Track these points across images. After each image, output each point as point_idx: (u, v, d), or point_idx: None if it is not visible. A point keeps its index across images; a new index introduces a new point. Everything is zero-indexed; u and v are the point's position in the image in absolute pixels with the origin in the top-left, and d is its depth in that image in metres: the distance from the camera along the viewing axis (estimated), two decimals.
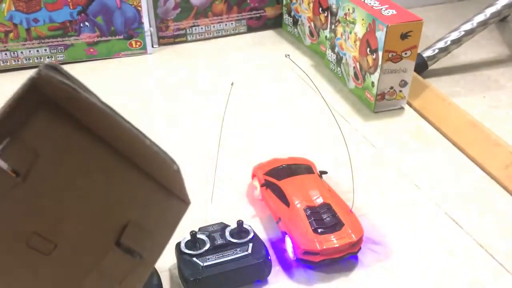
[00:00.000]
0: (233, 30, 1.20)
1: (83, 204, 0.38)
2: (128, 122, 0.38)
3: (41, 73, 0.33)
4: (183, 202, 0.46)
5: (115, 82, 1.02)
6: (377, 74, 0.88)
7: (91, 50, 1.09)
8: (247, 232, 0.61)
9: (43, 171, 0.36)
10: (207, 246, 0.59)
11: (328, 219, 0.61)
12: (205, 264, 0.57)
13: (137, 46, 1.11)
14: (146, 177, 0.41)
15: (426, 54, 1.02)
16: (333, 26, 1.00)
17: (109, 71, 1.06)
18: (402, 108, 0.93)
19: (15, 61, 1.05)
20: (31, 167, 0.35)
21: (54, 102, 0.36)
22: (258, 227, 0.67)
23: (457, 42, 1.02)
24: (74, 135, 0.37)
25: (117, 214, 0.40)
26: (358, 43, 0.91)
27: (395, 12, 0.86)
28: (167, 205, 0.44)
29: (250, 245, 0.59)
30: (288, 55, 0.79)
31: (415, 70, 0.92)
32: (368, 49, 0.89)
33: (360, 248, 0.62)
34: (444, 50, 1.03)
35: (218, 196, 0.72)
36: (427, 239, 0.66)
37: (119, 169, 0.39)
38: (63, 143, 0.36)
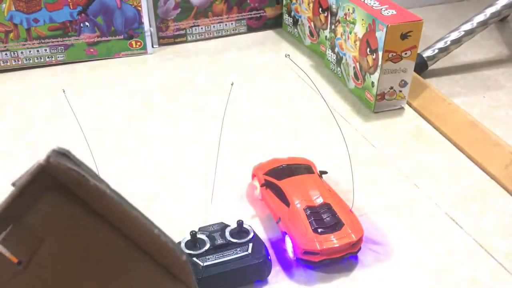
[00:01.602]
0: (233, 30, 1.21)
1: None
2: (137, 210, 0.37)
3: (50, 160, 0.33)
4: None
5: (115, 82, 1.02)
6: (377, 74, 0.88)
7: (91, 50, 1.09)
8: (247, 232, 0.61)
9: (46, 257, 0.35)
10: (207, 246, 0.59)
11: (328, 219, 0.61)
12: (205, 264, 0.57)
13: (137, 46, 1.11)
14: (154, 264, 0.40)
15: (426, 54, 1.02)
16: (333, 26, 1.01)
17: (109, 71, 1.06)
18: (402, 108, 0.93)
19: (15, 61, 1.05)
20: (34, 254, 0.34)
21: (62, 185, 0.35)
22: (258, 227, 0.67)
23: (457, 42, 1.02)
24: (81, 218, 0.36)
25: None
26: (358, 43, 0.91)
27: (395, 12, 0.86)
28: None
29: (250, 245, 0.59)
30: (288, 55, 0.79)
31: (415, 70, 0.92)
32: (368, 49, 0.89)
33: (360, 248, 0.62)
34: (444, 50, 1.03)
35: (218, 196, 0.72)
36: (427, 239, 0.66)
37: (127, 254, 0.38)
38: (69, 227, 0.36)
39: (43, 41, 1.05)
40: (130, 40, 1.10)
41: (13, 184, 0.36)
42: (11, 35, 1.03)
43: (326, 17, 1.04)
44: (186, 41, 1.17)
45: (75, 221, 0.35)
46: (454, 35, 1.02)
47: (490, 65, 1.09)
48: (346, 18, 0.94)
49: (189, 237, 0.60)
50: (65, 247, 0.35)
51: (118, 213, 0.36)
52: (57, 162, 0.33)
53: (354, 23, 0.92)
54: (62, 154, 0.34)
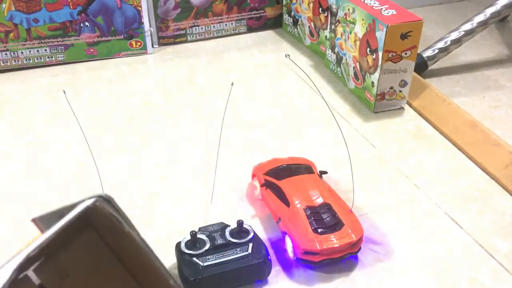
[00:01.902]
0: (233, 30, 1.21)
1: None
2: (159, 261, 0.40)
3: (97, 204, 0.36)
4: None
5: (115, 82, 1.02)
6: (377, 74, 0.88)
7: (91, 50, 1.09)
8: (247, 232, 0.61)
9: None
10: (207, 246, 0.59)
11: (328, 219, 0.61)
12: (205, 264, 0.57)
13: (137, 46, 1.11)
14: None
15: (426, 54, 1.02)
16: (333, 26, 1.01)
17: (109, 71, 1.06)
18: (402, 108, 0.93)
19: (15, 61, 1.05)
20: (60, 286, 0.37)
21: (96, 229, 0.38)
22: (258, 227, 0.67)
23: (457, 42, 1.02)
24: (105, 262, 0.39)
25: None
26: (358, 43, 0.91)
27: (395, 12, 0.86)
28: None
29: (250, 245, 0.59)
30: (288, 55, 0.80)
31: (415, 70, 0.92)
32: (368, 49, 0.89)
33: (360, 248, 0.62)
34: (444, 50, 1.03)
35: (218, 196, 0.72)
36: (427, 239, 0.66)
37: None
38: (93, 268, 0.38)
39: (43, 41, 1.05)
40: (130, 40, 1.10)
41: (33, 220, 0.38)
42: (11, 35, 1.03)
43: (326, 17, 1.04)
44: (186, 41, 1.17)
45: (99, 264, 0.39)
46: (454, 35, 1.02)
47: (490, 65, 1.09)
48: (346, 18, 0.94)
49: (189, 237, 0.60)
50: (85, 283, 0.38)
51: (143, 260, 0.39)
52: (102, 207, 0.36)
53: (354, 23, 0.92)
54: (107, 200, 0.37)
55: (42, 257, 0.36)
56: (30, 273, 0.35)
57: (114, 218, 0.36)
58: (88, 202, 0.36)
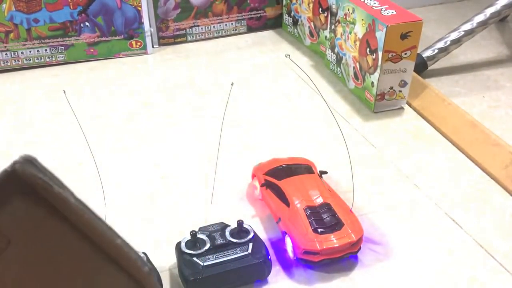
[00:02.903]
0: (233, 30, 1.21)
1: None
2: (100, 220, 0.38)
3: (16, 167, 0.34)
4: None
5: (115, 82, 1.02)
6: (376, 74, 0.88)
7: (92, 50, 1.09)
8: (247, 232, 0.61)
9: (11, 258, 0.35)
10: (207, 246, 0.59)
11: (328, 219, 0.61)
12: (205, 263, 0.57)
13: (137, 46, 1.11)
14: (118, 270, 0.40)
15: (426, 54, 1.02)
16: (333, 26, 1.01)
17: (109, 71, 1.06)
18: (402, 108, 0.93)
19: (15, 61, 1.05)
20: (0, 255, 0.35)
21: (31, 190, 0.35)
22: (258, 227, 0.67)
23: (456, 42, 1.02)
24: (48, 221, 0.37)
25: None
26: (358, 43, 0.92)
27: (395, 12, 0.86)
28: None
29: (250, 245, 0.60)
30: (288, 55, 0.79)
31: (414, 70, 0.92)
32: (368, 49, 0.89)
33: (360, 248, 0.62)
34: (444, 50, 1.03)
35: (218, 196, 0.72)
36: (427, 239, 0.66)
37: (91, 259, 0.39)
38: (36, 229, 0.36)
39: (43, 41, 1.05)
40: (130, 40, 1.10)
41: None
42: (12, 35, 1.03)
43: (326, 17, 1.04)
44: (186, 41, 1.18)
45: (42, 224, 0.36)
46: (454, 35, 1.02)
47: (490, 65, 1.09)
48: (346, 18, 0.94)
49: (189, 237, 0.60)
50: (31, 249, 0.36)
51: (82, 220, 0.37)
52: (23, 169, 0.34)
53: (354, 23, 0.92)
54: (29, 161, 0.35)
55: None
56: None
57: (39, 180, 0.34)
58: (6, 167, 0.34)
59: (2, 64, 1.05)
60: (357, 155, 0.80)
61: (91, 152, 0.68)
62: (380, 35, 0.85)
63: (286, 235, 0.62)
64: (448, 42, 1.02)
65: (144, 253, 0.59)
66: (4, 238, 0.35)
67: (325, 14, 1.04)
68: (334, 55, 1.02)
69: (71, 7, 1.04)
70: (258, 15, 1.21)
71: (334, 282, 0.60)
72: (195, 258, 0.58)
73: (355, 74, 0.95)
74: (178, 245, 0.60)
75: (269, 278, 0.60)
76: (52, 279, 0.37)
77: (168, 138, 0.86)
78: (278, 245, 0.65)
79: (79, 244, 0.37)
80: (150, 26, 1.12)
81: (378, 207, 0.71)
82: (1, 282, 0.35)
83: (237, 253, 0.58)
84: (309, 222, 0.61)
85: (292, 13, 1.17)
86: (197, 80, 1.03)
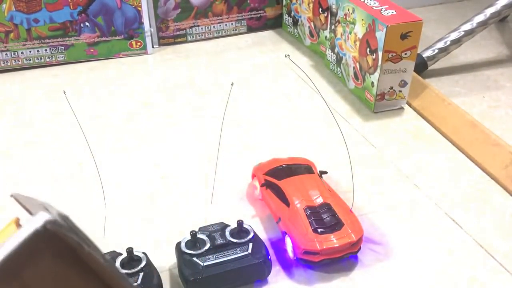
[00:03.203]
0: (233, 30, 1.21)
1: None
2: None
3: (47, 227, 0.33)
4: None
5: (115, 82, 1.02)
6: (376, 74, 0.88)
7: (92, 50, 1.09)
8: (247, 232, 0.61)
9: None
10: (207, 246, 0.59)
11: (328, 219, 0.61)
12: (205, 264, 0.57)
13: (137, 46, 1.11)
14: None
15: (426, 54, 1.02)
16: (333, 27, 1.01)
17: (109, 71, 1.06)
18: (402, 108, 0.93)
19: (15, 61, 1.05)
20: None
21: (61, 249, 0.35)
22: (258, 227, 0.67)
23: (456, 42, 1.02)
24: (78, 281, 0.37)
25: None
26: (358, 43, 0.91)
27: (395, 12, 0.86)
28: None
29: (250, 245, 0.59)
30: (288, 55, 0.79)
31: (415, 70, 0.92)
32: (368, 49, 0.89)
33: (360, 248, 0.62)
34: (444, 50, 1.03)
35: (218, 196, 0.72)
36: (427, 239, 0.66)
37: None
38: (63, 284, 0.36)
39: (43, 41, 1.05)
40: (130, 40, 1.10)
41: (13, 196, 0.36)
42: (12, 35, 1.03)
43: (326, 17, 1.04)
44: (186, 41, 1.18)
45: (71, 285, 0.36)
46: (454, 35, 1.02)
47: (490, 65, 1.09)
48: (346, 18, 0.94)
49: (189, 237, 0.60)
50: None
51: (110, 280, 0.37)
52: (54, 229, 0.33)
53: (354, 23, 0.92)
54: (61, 220, 0.34)
55: (8, 278, 0.33)
56: None
57: (70, 240, 0.33)
58: (36, 225, 0.33)
59: (2, 64, 1.05)
60: (357, 155, 0.80)
61: (91, 152, 0.68)
62: (380, 35, 0.85)
63: (286, 235, 0.62)
64: (448, 42, 1.02)
65: (144, 253, 0.59)
66: None
67: (325, 14, 1.04)
68: (334, 55, 1.02)
69: (71, 7, 1.04)
70: (258, 15, 1.21)
71: (334, 282, 0.60)
72: (195, 258, 0.58)
73: (355, 74, 0.95)
74: (178, 245, 0.60)
75: (269, 278, 0.60)
76: None
77: (168, 138, 0.86)
78: (278, 245, 0.65)
79: None
80: (150, 26, 1.12)
81: (378, 207, 0.71)
82: None
83: (237, 253, 0.58)
84: (309, 222, 0.61)
85: (292, 13, 1.17)
86: (197, 80, 1.03)
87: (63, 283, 0.36)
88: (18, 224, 0.39)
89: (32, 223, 0.33)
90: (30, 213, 0.36)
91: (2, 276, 0.33)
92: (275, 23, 1.23)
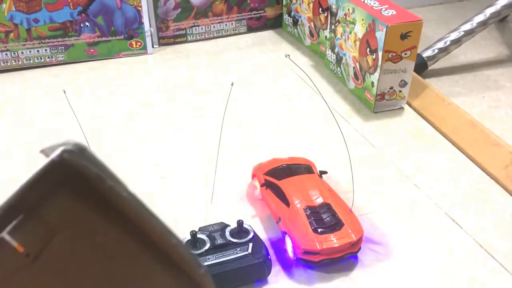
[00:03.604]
0: (233, 30, 1.21)
1: None
2: (155, 216, 0.35)
3: (64, 156, 0.31)
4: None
5: (115, 82, 1.02)
6: (376, 74, 0.88)
7: (92, 50, 1.09)
8: (247, 232, 0.61)
9: (57, 251, 0.32)
10: (207, 245, 0.59)
11: (328, 219, 0.61)
12: (205, 263, 0.57)
13: (137, 46, 1.11)
14: (177, 271, 0.37)
15: (426, 54, 1.02)
16: (333, 27, 1.01)
17: (109, 71, 1.06)
18: (402, 108, 0.93)
19: (15, 61, 1.05)
20: (45, 247, 0.32)
21: (79, 181, 0.33)
22: (258, 227, 0.67)
23: (456, 42, 1.02)
24: (98, 215, 0.34)
25: None
26: (358, 43, 0.92)
27: (395, 12, 0.86)
28: None
29: (250, 245, 0.60)
30: (288, 55, 0.80)
31: (414, 70, 0.92)
32: (368, 49, 0.89)
33: (360, 248, 0.62)
34: (444, 50, 1.03)
35: (218, 196, 0.72)
36: (427, 239, 0.66)
37: (142, 257, 0.35)
38: (84, 221, 0.34)
39: (43, 41, 1.05)
40: (130, 40, 1.10)
41: (42, 151, 0.34)
42: (12, 35, 1.03)
43: (326, 17, 1.04)
44: (186, 41, 1.18)
45: (91, 219, 0.34)
46: (454, 35, 1.02)
47: (490, 65, 1.09)
48: (346, 18, 0.94)
49: (189, 237, 0.60)
50: (78, 242, 0.34)
51: (136, 216, 0.34)
52: (71, 159, 0.31)
53: (354, 23, 0.92)
54: (79, 150, 0.32)
55: (20, 214, 0.31)
56: (6, 235, 0.31)
57: (89, 172, 0.31)
58: (53, 156, 0.30)
59: (2, 64, 1.05)
60: (357, 155, 0.80)
61: None
62: (380, 35, 0.85)
63: (286, 235, 0.62)
64: (448, 42, 1.02)
65: None
66: (50, 230, 0.32)
67: (325, 14, 1.04)
68: (334, 55, 1.02)
69: (71, 7, 1.04)
70: (258, 15, 1.21)
71: (334, 282, 0.60)
72: None
73: (355, 74, 0.95)
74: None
75: (269, 278, 0.60)
76: (99, 275, 0.35)
77: (168, 138, 0.86)
78: (278, 245, 0.65)
79: (133, 243, 0.35)
80: (150, 26, 1.12)
81: (378, 207, 0.71)
82: (48, 277, 0.33)
83: (237, 253, 0.58)
84: (309, 222, 0.61)
85: (292, 13, 1.17)
86: (197, 80, 1.03)
87: (82, 221, 0.33)
88: None
89: (50, 156, 0.31)
90: None
91: (23, 210, 0.31)
92: (275, 23, 1.23)
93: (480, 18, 1.03)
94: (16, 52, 1.05)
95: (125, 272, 0.36)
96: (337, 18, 0.98)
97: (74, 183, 0.32)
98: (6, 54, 1.04)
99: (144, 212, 0.34)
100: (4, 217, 0.30)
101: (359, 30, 0.90)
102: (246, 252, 0.59)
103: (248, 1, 1.18)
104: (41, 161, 0.32)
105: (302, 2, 1.12)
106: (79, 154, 0.31)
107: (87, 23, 1.07)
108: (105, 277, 0.35)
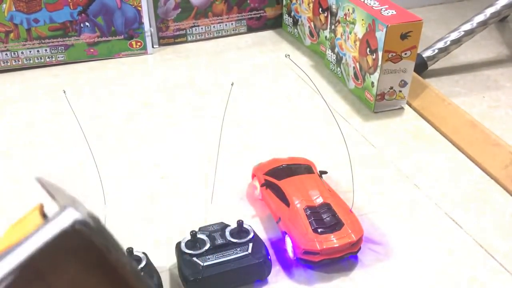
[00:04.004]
0: (233, 30, 1.21)
1: None
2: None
3: (75, 228, 0.31)
4: None
5: (115, 82, 1.02)
6: (376, 74, 0.88)
7: (92, 50, 1.09)
8: (247, 232, 0.61)
9: None
10: (207, 246, 0.59)
11: (328, 219, 0.61)
12: (205, 264, 0.57)
13: (137, 46, 1.11)
14: None
15: (426, 54, 1.02)
16: (333, 27, 1.01)
17: (109, 71, 1.06)
18: (402, 108, 0.93)
19: (15, 61, 1.05)
20: None
21: (88, 252, 0.33)
22: (258, 227, 0.67)
23: (456, 42, 1.02)
24: (102, 285, 0.35)
25: None
26: (358, 43, 0.91)
27: (395, 12, 0.86)
28: None
29: (250, 245, 0.59)
30: (288, 55, 0.79)
31: (414, 70, 0.92)
32: (368, 49, 0.89)
33: (360, 248, 0.62)
34: (444, 50, 1.03)
35: (218, 196, 0.72)
36: (427, 239, 0.66)
37: None
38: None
39: (43, 41, 1.05)
40: (130, 40, 1.10)
41: (39, 180, 0.34)
42: (12, 35, 1.03)
43: (326, 17, 1.04)
44: (186, 41, 1.18)
45: (97, 286, 0.34)
46: (454, 35, 1.02)
47: (490, 65, 1.09)
48: (346, 18, 0.94)
49: (189, 237, 0.60)
50: None
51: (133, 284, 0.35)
52: (82, 231, 0.31)
53: (354, 23, 0.92)
54: (90, 220, 0.32)
55: (32, 278, 0.31)
56: None
57: (99, 244, 0.32)
58: (64, 224, 0.30)
59: (2, 64, 1.05)
60: (357, 155, 0.80)
61: (91, 152, 0.68)
62: (380, 35, 0.85)
63: (286, 235, 0.62)
64: (448, 42, 1.02)
65: (144, 253, 0.59)
66: None
67: (325, 14, 1.04)
68: (334, 55, 1.02)
69: (71, 7, 1.04)
70: (258, 15, 1.21)
71: (334, 282, 0.60)
72: (195, 258, 0.58)
73: (355, 74, 0.95)
74: (178, 245, 0.60)
75: (269, 278, 0.60)
76: None
77: (168, 138, 0.86)
78: (278, 245, 0.65)
79: None
80: (150, 26, 1.12)
81: (378, 207, 0.71)
82: None
83: (237, 253, 0.58)
84: (309, 222, 0.61)
85: (292, 13, 1.17)
86: (197, 80, 1.03)
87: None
88: (42, 213, 0.37)
89: (60, 221, 0.31)
90: (55, 199, 0.34)
91: (26, 275, 0.31)
92: (275, 23, 1.23)
93: (480, 18, 1.03)
94: (16, 52, 1.05)
95: None
96: (337, 18, 0.98)
97: (82, 253, 0.33)
98: (6, 54, 1.04)
99: (144, 284, 0.35)
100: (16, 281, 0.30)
101: (359, 30, 0.90)
102: (246, 252, 0.59)
103: (248, 1, 1.18)
104: (49, 228, 0.31)
105: (302, 2, 1.12)
106: (91, 225, 0.32)
107: (87, 23, 1.07)
108: None
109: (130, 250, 0.57)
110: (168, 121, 0.90)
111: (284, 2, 1.19)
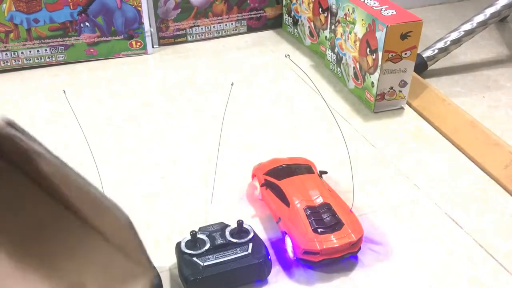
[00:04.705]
0: (233, 30, 1.21)
1: (26, 262, 0.34)
2: (79, 175, 0.35)
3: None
4: (140, 265, 0.40)
5: (115, 82, 1.02)
6: (377, 74, 0.88)
7: (92, 50, 1.09)
8: (247, 232, 0.61)
9: None
10: (207, 246, 0.59)
11: (328, 219, 0.61)
12: (205, 263, 0.57)
13: (137, 46, 1.11)
14: (98, 236, 0.36)
15: (426, 54, 1.02)
16: (333, 27, 1.01)
17: (109, 71, 1.06)
18: (402, 108, 0.93)
19: (15, 61, 1.05)
20: None
21: (6, 157, 0.33)
22: (258, 227, 0.67)
23: (456, 42, 1.02)
24: (24, 189, 0.35)
25: (67, 275, 0.35)
26: (358, 43, 0.92)
27: (395, 12, 0.86)
28: (122, 267, 0.39)
29: (250, 245, 0.60)
30: (288, 55, 0.79)
31: (414, 70, 0.92)
32: (368, 49, 0.89)
33: (360, 248, 0.62)
34: (444, 50, 1.03)
35: (218, 196, 0.72)
36: (427, 239, 0.66)
37: (70, 227, 0.35)
38: (11, 197, 0.34)
39: (43, 41, 1.05)
40: (130, 40, 1.10)
41: None
42: (12, 35, 1.03)
43: (326, 17, 1.04)
44: (186, 41, 1.18)
45: (18, 192, 0.34)
46: (454, 35, 1.02)
47: (490, 65, 1.09)
48: (346, 18, 0.94)
49: (189, 237, 0.60)
50: (6, 218, 0.34)
51: (58, 174, 0.35)
52: (1, 127, 0.32)
53: (354, 23, 0.92)
54: (8, 123, 0.33)
55: None
56: None
57: (18, 140, 0.32)
58: None
59: (2, 64, 1.05)
60: (357, 155, 0.80)
61: (91, 152, 0.68)
62: (380, 35, 0.85)
63: (286, 235, 0.62)
64: (448, 42, 1.02)
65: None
66: None
67: (325, 14, 1.04)
68: (334, 55, 1.02)
69: (71, 7, 1.04)
70: (258, 15, 1.21)
71: (334, 282, 0.60)
72: (195, 258, 0.58)
73: (355, 74, 0.95)
74: (178, 245, 0.60)
75: (269, 278, 0.60)
76: (30, 249, 0.34)
77: (168, 138, 0.86)
78: (278, 245, 0.65)
79: (56, 211, 0.35)
80: (150, 26, 1.12)
81: (378, 207, 0.71)
82: None
83: (237, 253, 0.58)
84: (309, 222, 0.61)
85: (292, 13, 1.17)
86: (197, 80, 1.03)
87: (11, 196, 0.33)
88: None
89: None
90: None
91: None
92: (275, 23, 1.23)
93: (480, 18, 1.03)
94: (16, 52, 1.05)
95: (55, 242, 0.35)
96: (337, 18, 0.98)
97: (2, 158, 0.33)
98: (6, 54, 1.04)
99: (65, 168, 0.35)
100: None
101: (359, 30, 0.90)
102: (246, 252, 0.59)
103: (248, 1, 1.18)
104: None
105: (302, 2, 1.12)
106: (9, 126, 0.32)
107: (87, 23, 1.07)
108: (34, 247, 0.35)
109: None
110: (168, 121, 0.90)
111: (284, 2, 1.19)
